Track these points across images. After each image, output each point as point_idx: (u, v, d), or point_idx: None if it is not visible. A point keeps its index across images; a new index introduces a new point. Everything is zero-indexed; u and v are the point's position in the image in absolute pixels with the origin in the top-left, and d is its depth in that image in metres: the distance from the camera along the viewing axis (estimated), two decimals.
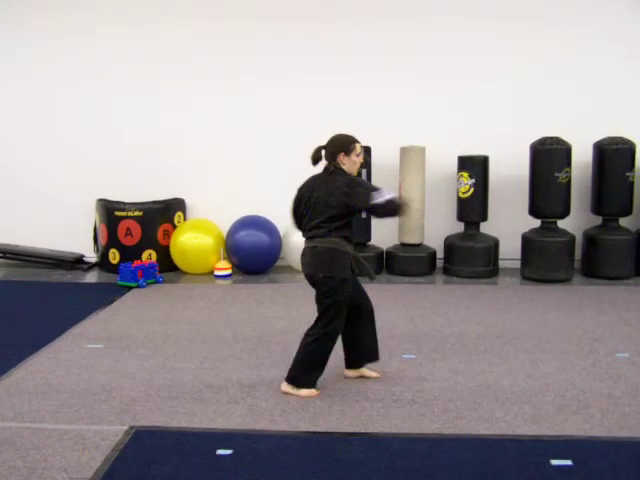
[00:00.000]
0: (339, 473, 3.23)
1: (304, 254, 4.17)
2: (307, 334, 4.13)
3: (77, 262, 8.09)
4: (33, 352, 4.98)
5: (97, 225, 8.01)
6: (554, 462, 3.30)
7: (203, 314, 6.06)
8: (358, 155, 4.14)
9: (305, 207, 4.16)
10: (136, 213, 7.63)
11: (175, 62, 8.04)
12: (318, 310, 4.10)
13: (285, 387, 4.19)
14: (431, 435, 3.63)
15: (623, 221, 7.47)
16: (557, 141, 7.15)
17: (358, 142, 4.15)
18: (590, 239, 7.39)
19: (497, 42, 7.74)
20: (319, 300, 4.08)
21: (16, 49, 8.21)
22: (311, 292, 4.16)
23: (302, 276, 4.30)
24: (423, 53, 7.82)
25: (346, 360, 4.43)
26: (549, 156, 7.14)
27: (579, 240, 7.48)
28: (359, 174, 4.35)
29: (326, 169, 4.14)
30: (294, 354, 4.18)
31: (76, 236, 8.22)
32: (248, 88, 7.99)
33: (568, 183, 7.22)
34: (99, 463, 3.31)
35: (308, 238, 4.15)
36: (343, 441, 3.56)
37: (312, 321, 4.15)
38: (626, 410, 3.92)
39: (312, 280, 4.11)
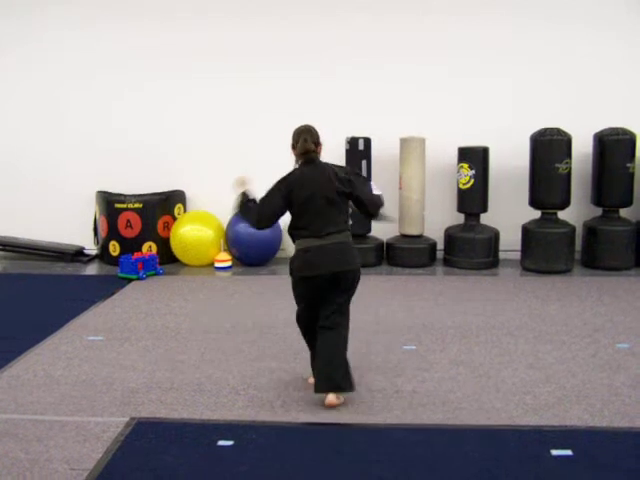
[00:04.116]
0: (340, 464, 3.24)
1: (324, 251, 3.89)
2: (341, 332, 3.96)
3: (77, 254, 8.09)
4: (34, 344, 4.99)
5: (97, 217, 8.00)
6: (554, 452, 3.31)
7: (203, 306, 6.06)
8: None
9: (311, 203, 3.91)
10: (136, 205, 7.62)
11: (174, 55, 8.00)
12: (342, 303, 3.96)
13: (335, 399, 3.88)
14: (432, 426, 3.64)
15: (623, 212, 7.46)
16: (557, 132, 7.13)
17: None
18: (590, 230, 7.38)
19: (497, 33, 7.70)
20: (349, 293, 3.97)
21: (17, 42, 8.18)
22: None
23: None
24: (423, 44, 7.78)
25: None
26: (549, 147, 7.12)
27: (579, 231, 7.47)
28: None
29: (312, 160, 4.01)
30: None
31: (76, 228, 8.21)
32: (247, 80, 7.96)
33: (568, 174, 7.20)
34: (100, 454, 3.33)
35: (325, 235, 3.89)
36: (344, 432, 3.57)
37: None
38: (626, 400, 3.92)
39: (349, 275, 3.93)
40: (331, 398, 3.84)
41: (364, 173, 7.42)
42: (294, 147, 4.04)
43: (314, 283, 3.91)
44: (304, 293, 4.00)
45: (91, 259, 8.09)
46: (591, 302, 6.02)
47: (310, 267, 3.89)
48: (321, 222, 3.90)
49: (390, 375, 4.34)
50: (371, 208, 4.03)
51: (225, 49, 7.95)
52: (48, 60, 8.17)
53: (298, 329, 4.17)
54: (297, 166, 4.05)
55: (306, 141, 3.96)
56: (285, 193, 3.93)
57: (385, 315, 5.66)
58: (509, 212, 7.71)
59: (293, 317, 4.30)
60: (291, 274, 4.03)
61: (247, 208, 4.02)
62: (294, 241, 4.04)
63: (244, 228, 7.42)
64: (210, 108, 8.07)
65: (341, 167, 4.15)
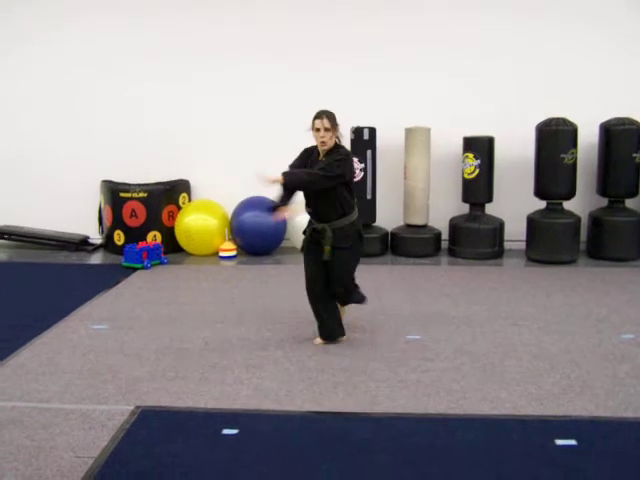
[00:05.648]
0: (344, 453, 3.24)
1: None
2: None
3: (82, 243, 8.10)
4: (39, 333, 5.00)
5: (102, 206, 8.01)
6: (558, 442, 3.32)
7: (208, 295, 6.07)
8: (314, 130, 4.45)
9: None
10: (141, 194, 7.63)
11: (178, 46, 7.99)
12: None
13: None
14: (436, 415, 3.64)
15: (629, 202, 7.44)
16: (563, 122, 7.11)
17: (317, 118, 4.43)
18: (596, 220, 7.37)
19: (502, 23, 7.66)
20: None
21: (21, 35, 8.18)
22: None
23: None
24: (428, 35, 7.75)
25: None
26: (555, 137, 7.09)
27: (585, 221, 7.45)
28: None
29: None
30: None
31: (81, 217, 8.23)
32: (251, 70, 7.94)
33: (574, 164, 7.18)
34: (105, 442, 3.34)
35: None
36: (348, 421, 3.58)
37: None
38: (630, 391, 3.92)
39: None
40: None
41: (369, 163, 7.42)
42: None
43: None
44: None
45: (96, 248, 8.11)
46: (596, 293, 6.01)
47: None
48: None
49: (394, 364, 4.34)
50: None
51: (227, 40, 7.93)
52: (53, 52, 8.17)
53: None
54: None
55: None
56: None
57: (389, 305, 5.66)
58: (514, 202, 7.69)
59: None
60: (360, 240, 4.64)
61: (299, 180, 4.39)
62: (350, 213, 4.56)
63: (249, 217, 7.44)
64: (214, 98, 8.05)
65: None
